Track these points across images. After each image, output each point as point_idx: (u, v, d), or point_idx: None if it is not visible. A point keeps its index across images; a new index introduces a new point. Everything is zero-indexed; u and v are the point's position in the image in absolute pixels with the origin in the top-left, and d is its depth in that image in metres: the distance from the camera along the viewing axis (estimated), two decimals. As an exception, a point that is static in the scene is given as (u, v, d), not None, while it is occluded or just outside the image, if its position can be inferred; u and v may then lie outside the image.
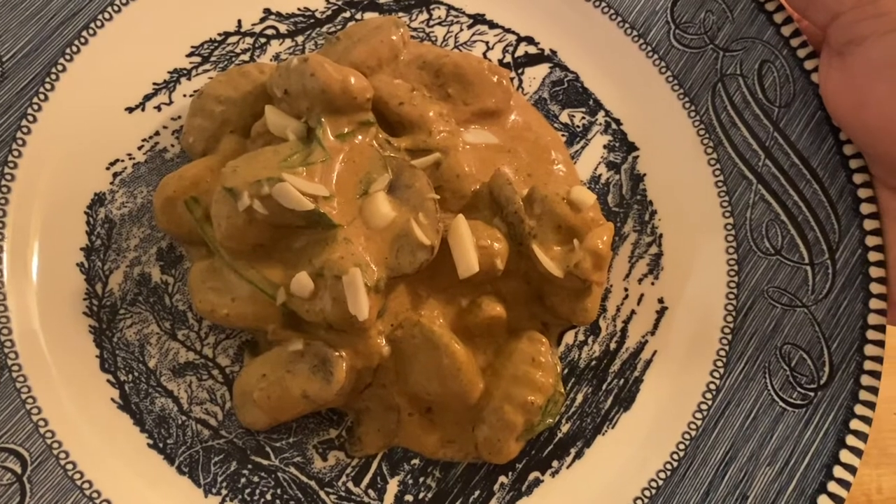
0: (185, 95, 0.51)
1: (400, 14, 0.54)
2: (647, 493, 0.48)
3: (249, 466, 0.48)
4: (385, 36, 0.50)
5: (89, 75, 0.50)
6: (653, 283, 0.52)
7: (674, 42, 0.53)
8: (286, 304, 0.45)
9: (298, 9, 0.53)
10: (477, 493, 0.48)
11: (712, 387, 0.49)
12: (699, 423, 0.49)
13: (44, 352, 0.47)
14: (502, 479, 0.49)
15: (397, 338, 0.46)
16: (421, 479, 0.48)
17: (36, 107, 0.49)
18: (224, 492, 0.47)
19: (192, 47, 0.52)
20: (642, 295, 0.51)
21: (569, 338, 0.51)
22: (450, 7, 0.54)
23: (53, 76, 0.49)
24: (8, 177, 0.48)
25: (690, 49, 0.53)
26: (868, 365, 0.49)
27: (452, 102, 0.51)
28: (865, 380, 0.49)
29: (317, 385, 0.45)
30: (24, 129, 0.49)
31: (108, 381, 0.48)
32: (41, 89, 0.49)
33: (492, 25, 0.54)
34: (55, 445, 0.46)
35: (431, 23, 0.54)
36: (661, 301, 0.51)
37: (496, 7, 0.54)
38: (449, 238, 0.46)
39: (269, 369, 0.46)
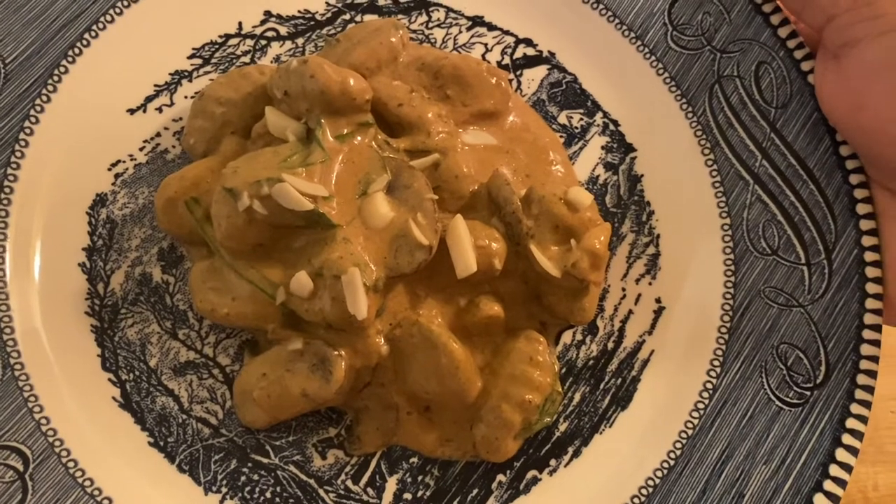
0: (186, 97, 0.51)
1: (399, 16, 0.54)
2: (644, 491, 0.48)
3: (249, 465, 0.48)
4: (384, 38, 0.50)
5: (91, 77, 0.50)
6: (650, 283, 0.52)
7: (671, 44, 0.54)
8: (286, 304, 0.45)
9: (298, 11, 0.54)
10: (475, 491, 0.49)
11: (709, 386, 0.50)
12: (696, 421, 0.49)
13: (46, 351, 0.47)
14: (500, 477, 0.49)
15: (396, 337, 0.47)
16: (419, 478, 0.49)
17: (38, 108, 0.49)
18: (224, 490, 0.47)
19: (193, 49, 0.52)
20: (640, 295, 0.52)
21: (566, 337, 0.51)
22: (449, 9, 0.55)
23: (56, 78, 0.50)
24: (11, 177, 0.49)
25: (688, 50, 0.53)
26: (864, 364, 0.49)
27: (451, 104, 0.51)
28: (861, 379, 0.49)
29: (316, 384, 0.45)
30: (27, 131, 0.49)
31: (110, 379, 0.48)
32: (43, 91, 0.50)
33: (490, 27, 0.55)
34: (57, 443, 0.46)
35: (430, 25, 0.54)
36: (658, 301, 0.52)
37: (495, 9, 0.55)
38: (447, 238, 0.46)
39: (268, 368, 0.46)
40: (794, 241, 0.51)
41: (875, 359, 0.49)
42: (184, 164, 0.50)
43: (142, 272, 0.50)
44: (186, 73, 0.52)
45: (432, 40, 0.54)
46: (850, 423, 0.48)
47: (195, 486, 0.47)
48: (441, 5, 0.55)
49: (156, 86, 0.51)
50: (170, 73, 0.52)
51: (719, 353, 0.50)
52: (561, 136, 0.54)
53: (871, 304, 0.50)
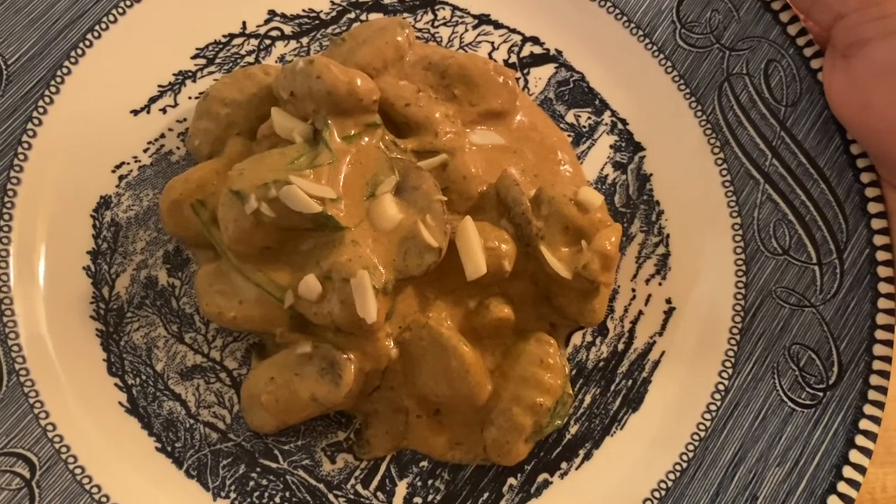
0: (190, 98, 0.51)
1: (405, 15, 0.54)
2: (656, 494, 0.48)
3: (258, 469, 0.48)
4: (390, 37, 0.50)
5: (94, 78, 0.50)
6: (660, 284, 0.51)
7: (679, 41, 0.53)
8: (294, 307, 0.45)
9: (303, 10, 0.53)
10: (486, 495, 0.48)
11: (721, 387, 0.49)
12: (708, 423, 0.49)
13: (51, 356, 0.47)
14: (511, 480, 0.49)
15: (405, 340, 0.46)
16: (430, 482, 0.48)
17: (41, 110, 0.49)
18: (233, 495, 0.47)
19: (197, 49, 0.52)
20: (650, 295, 0.51)
21: (577, 339, 0.51)
22: (454, 7, 0.54)
23: (58, 79, 0.49)
24: (14, 181, 0.48)
25: (696, 48, 0.53)
26: (877, 364, 0.49)
27: (458, 103, 0.51)
28: (874, 379, 0.49)
29: (325, 388, 0.45)
30: (30, 133, 0.49)
31: (116, 384, 0.48)
32: (46, 92, 0.49)
33: (497, 26, 0.54)
34: (63, 450, 0.46)
35: (436, 23, 0.54)
36: (668, 301, 0.51)
37: (501, 7, 0.54)
38: (456, 240, 0.46)
39: (276, 372, 0.46)
40: (805, 241, 0.51)
41: (888, 359, 0.49)
42: (188, 165, 0.49)
43: (147, 275, 0.49)
44: (190, 74, 0.51)
45: (438, 39, 0.54)
46: (864, 424, 0.48)
47: (204, 492, 0.47)
48: (447, 3, 0.54)
49: (159, 86, 0.51)
50: (173, 74, 0.51)
51: (731, 354, 0.50)
52: (569, 136, 0.53)
53: (883, 303, 0.49)
